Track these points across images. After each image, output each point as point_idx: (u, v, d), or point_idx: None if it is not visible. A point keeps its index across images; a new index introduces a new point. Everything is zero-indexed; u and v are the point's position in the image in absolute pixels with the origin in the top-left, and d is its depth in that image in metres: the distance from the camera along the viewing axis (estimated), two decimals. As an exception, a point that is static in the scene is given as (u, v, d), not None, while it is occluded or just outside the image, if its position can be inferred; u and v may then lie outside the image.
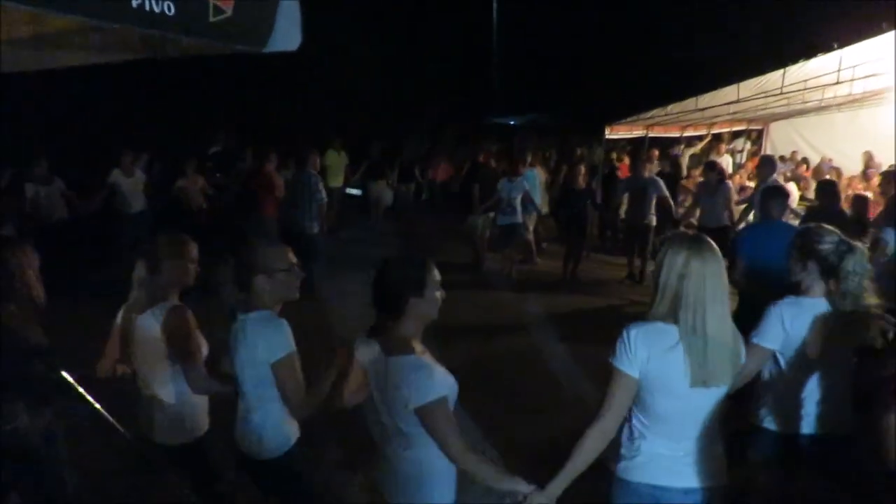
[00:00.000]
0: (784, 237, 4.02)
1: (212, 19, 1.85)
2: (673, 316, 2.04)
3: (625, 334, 2.07)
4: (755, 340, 2.61)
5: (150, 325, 2.56)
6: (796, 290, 2.71)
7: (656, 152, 11.16)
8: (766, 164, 7.07)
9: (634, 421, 2.15)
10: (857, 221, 5.91)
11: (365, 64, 18.26)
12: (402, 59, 19.96)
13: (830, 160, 10.86)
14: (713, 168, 7.95)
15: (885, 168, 9.81)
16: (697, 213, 7.97)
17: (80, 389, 2.08)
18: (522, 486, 1.99)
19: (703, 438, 2.12)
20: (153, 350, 2.56)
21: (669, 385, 2.04)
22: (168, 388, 2.59)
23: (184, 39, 2.35)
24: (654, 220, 8.27)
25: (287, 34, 2.15)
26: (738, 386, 2.27)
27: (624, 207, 9.39)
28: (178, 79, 15.06)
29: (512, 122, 19.96)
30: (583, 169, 8.92)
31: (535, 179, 9.67)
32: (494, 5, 21.75)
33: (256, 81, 16.76)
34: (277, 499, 2.51)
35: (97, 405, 2.00)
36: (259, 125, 14.22)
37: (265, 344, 2.32)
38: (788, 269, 2.74)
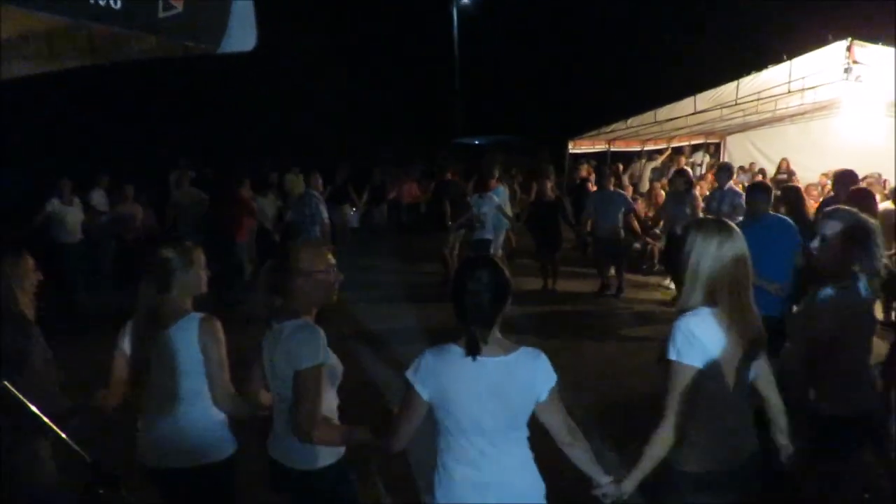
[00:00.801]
0: (780, 229, 4.22)
1: (161, 14, 1.80)
2: (710, 300, 2.09)
3: (683, 327, 2.08)
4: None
5: (181, 338, 2.38)
6: (828, 276, 2.65)
7: (620, 166, 11.39)
8: (724, 170, 7.40)
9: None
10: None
11: (330, 87, 18.33)
12: (368, 83, 20.09)
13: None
14: (682, 175, 8.09)
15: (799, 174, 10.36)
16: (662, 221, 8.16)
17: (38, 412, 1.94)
18: (602, 477, 2.09)
19: (748, 410, 2.19)
20: (184, 365, 2.39)
21: (727, 367, 2.09)
22: (195, 405, 2.42)
23: (135, 42, 2.32)
24: (622, 233, 8.34)
25: (241, 34, 2.11)
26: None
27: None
28: (133, 100, 14.88)
29: (477, 143, 20.15)
30: (550, 182, 9.02)
31: (503, 195, 9.73)
32: (455, 31, 22.09)
33: (216, 106, 16.71)
34: None
35: (53, 425, 1.87)
36: (218, 149, 14.09)
37: (298, 349, 2.20)
38: (818, 256, 2.68)
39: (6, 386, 1.78)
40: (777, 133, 12.13)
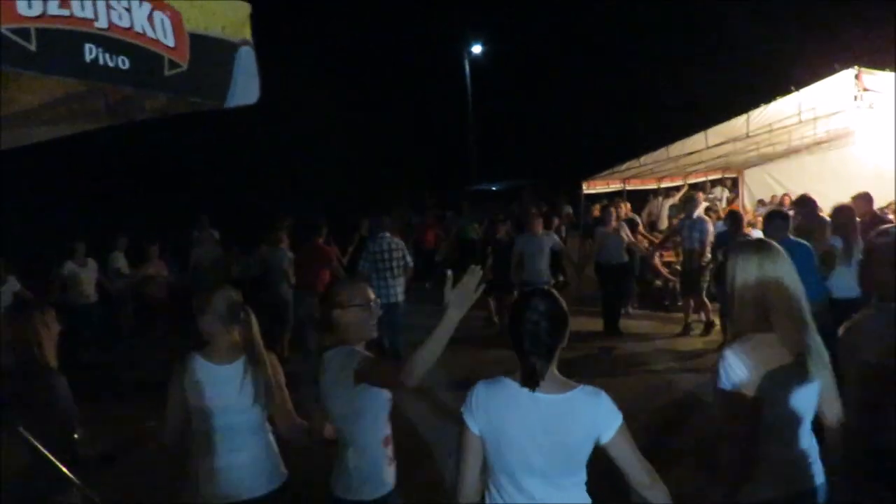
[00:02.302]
0: (799, 252, 4.32)
1: (167, 73, 1.89)
2: (763, 323, 2.00)
3: (728, 355, 2.02)
4: None
5: (248, 371, 2.49)
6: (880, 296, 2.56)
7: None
8: (691, 202, 8.14)
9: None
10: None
11: (343, 136, 18.67)
12: (382, 133, 20.51)
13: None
14: (616, 208, 8.74)
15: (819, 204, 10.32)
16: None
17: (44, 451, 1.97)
18: None
19: (810, 436, 2.08)
20: (254, 396, 2.49)
21: (783, 391, 1.99)
22: (258, 435, 2.54)
23: (146, 101, 2.44)
24: (550, 278, 7.94)
25: (245, 87, 2.20)
26: None
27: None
28: (141, 162, 15.28)
29: (494, 188, 20.33)
30: (504, 226, 8.86)
31: None
32: (467, 78, 22.62)
33: (224, 162, 17.15)
34: None
35: (57, 463, 1.90)
36: (225, 206, 14.40)
37: (342, 365, 2.29)
38: (869, 278, 2.67)
39: (22, 432, 1.81)
40: (794, 164, 12.03)
